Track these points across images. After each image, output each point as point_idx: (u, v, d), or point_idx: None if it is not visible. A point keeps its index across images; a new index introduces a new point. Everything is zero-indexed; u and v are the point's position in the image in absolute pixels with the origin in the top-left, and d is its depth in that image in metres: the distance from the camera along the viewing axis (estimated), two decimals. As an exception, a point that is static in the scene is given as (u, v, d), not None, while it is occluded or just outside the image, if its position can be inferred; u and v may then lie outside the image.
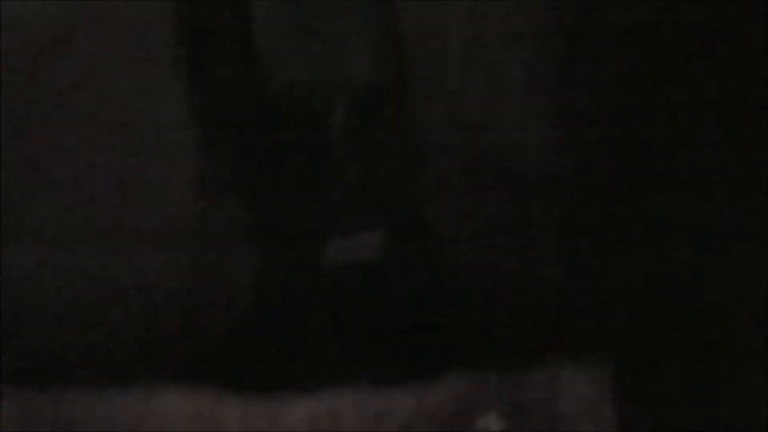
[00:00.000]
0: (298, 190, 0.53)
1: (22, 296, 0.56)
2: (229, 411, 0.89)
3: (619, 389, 0.85)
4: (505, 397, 1.23)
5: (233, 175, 0.54)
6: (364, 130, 0.52)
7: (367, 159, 0.52)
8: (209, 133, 0.54)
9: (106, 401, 0.77)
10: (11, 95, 0.55)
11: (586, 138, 0.54)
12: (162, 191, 0.55)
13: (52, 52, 0.56)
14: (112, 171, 0.55)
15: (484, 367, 0.77)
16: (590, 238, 0.57)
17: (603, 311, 0.63)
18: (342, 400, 1.38)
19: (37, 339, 0.58)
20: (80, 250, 0.57)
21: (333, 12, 0.53)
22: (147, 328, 0.56)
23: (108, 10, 0.56)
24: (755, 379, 0.63)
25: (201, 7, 0.55)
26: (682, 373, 0.75)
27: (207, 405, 1.10)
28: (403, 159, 0.53)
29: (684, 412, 0.72)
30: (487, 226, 0.55)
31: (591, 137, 0.54)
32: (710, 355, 0.70)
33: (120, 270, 0.55)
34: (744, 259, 0.58)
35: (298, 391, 0.78)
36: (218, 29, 0.55)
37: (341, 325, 0.56)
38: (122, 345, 0.57)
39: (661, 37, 0.56)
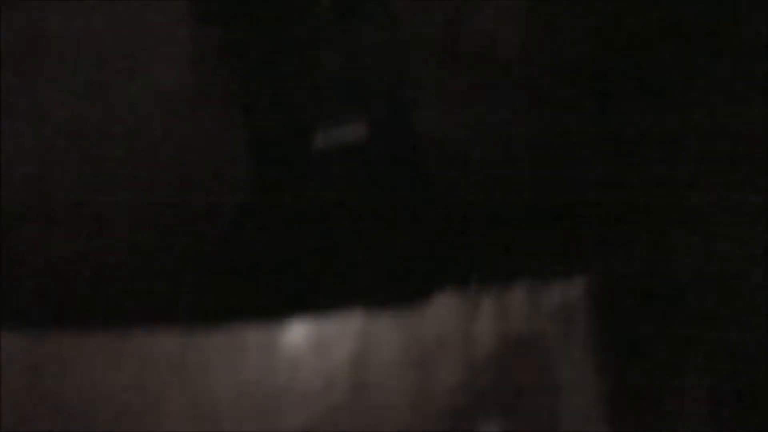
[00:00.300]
0: (285, 79, 0.56)
1: (17, 160, 0.58)
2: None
3: (597, 301, 0.87)
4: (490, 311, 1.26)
5: (225, 50, 0.57)
6: (349, 18, 0.55)
7: (351, 49, 0.55)
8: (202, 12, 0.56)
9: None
10: None
11: (563, 30, 0.56)
12: (159, 62, 0.57)
13: None
14: (109, 38, 0.57)
15: (467, 276, 0.79)
16: (571, 128, 0.59)
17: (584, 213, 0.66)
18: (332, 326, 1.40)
19: (35, 211, 0.61)
20: (78, 117, 0.59)
21: None
22: (139, 204, 0.59)
23: None
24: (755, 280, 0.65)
25: None
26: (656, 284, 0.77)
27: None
28: (385, 51, 0.56)
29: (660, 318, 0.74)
30: (467, 119, 0.58)
31: (567, 31, 0.57)
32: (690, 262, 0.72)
33: (117, 140, 0.58)
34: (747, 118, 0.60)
35: (291, 311, 0.80)
36: None
37: (329, 218, 0.59)
38: (117, 222, 0.60)
39: None
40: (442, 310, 2.12)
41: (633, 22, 0.57)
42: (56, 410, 1.50)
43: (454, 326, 2.11)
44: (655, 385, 0.81)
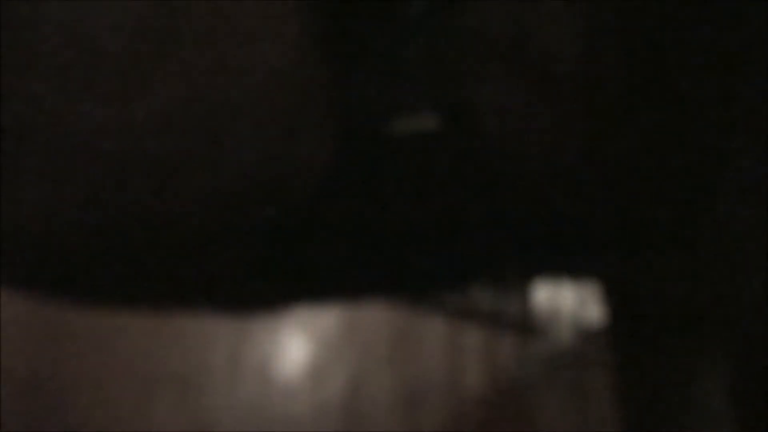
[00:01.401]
0: (372, 69, 0.64)
1: None
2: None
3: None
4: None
5: (325, 40, 0.64)
6: (435, 20, 0.64)
7: (429, 51, 0.63)
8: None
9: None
10: None
11: (609, 47, 0.64)
12: (267, 44, 0.64)
13: None
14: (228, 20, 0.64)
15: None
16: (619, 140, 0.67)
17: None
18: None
19: None
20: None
21: None
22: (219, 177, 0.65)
23: None
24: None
25: None
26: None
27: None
28: (458, 55, 0.64)
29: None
30: (526, 121, 0.65)
31: (611, 47, 0.65)
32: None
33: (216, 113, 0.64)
34: None
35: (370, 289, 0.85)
36: None
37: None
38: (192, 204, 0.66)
39: None
40: (433, 351, 2.17)
41: (675, 48, 0.65)
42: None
43: (443, 368, 2.16)
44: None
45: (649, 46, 0.66)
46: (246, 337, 1.97)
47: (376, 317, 1.99)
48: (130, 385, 1.79)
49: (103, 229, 0.69)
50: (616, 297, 0.90)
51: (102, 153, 0.64)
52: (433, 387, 2.13)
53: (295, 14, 0.64)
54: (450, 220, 0.72)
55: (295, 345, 2.05)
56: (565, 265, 0.87)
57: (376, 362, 2.12)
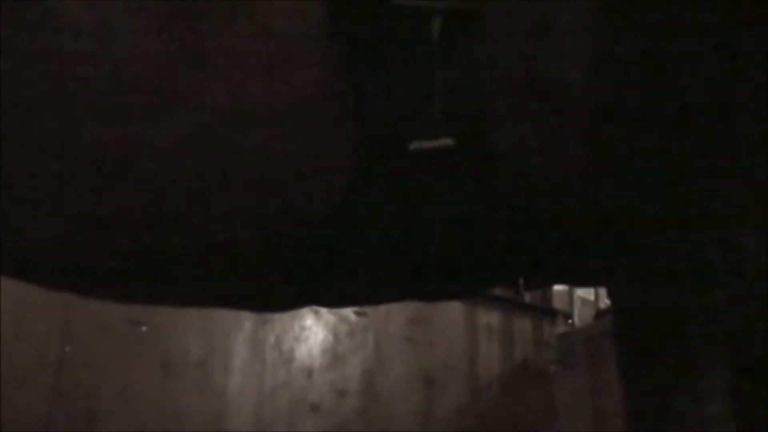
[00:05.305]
0: (393, 94, 0.66)
1: None
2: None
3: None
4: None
5: (350, 66, 0.67)
6: (453, 48, 0.67)
7: (447, 78, 0.66)
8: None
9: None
10: None
11: (618, 75, 0.67)
12: (295, 68, 0.67)
13: None
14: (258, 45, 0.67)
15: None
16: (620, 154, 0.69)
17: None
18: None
19: None
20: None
21: None
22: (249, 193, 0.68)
23: None
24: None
25: None
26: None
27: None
28: (473, 81, 0.67)
29: None
30: (535, 139, 0.68)
31: (620, 76, 0.68)
32: None
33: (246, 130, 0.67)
34: None
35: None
36: None
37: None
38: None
39: None
40: (451, 333, 2.20)
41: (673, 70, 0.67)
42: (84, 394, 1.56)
43: (461, 349, 2.19)
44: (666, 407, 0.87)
45: (652, 73, 0.68)
46: (266, 321, 2.02)
47: (394, 300, 2.02)
48: (154, 368, 1.84)
49: (139, 238, 0.71)
50: (619, 300, 0.92)
51: (137, 170, 0.67)
52: (450, 368, 2.16)
53: (321, 40, 0.67)
54: (465, 235, 0.74)
55: (314, 328, 2.09)
56: (572, 275, 0.89)
57: (394, 344, 2.16)
